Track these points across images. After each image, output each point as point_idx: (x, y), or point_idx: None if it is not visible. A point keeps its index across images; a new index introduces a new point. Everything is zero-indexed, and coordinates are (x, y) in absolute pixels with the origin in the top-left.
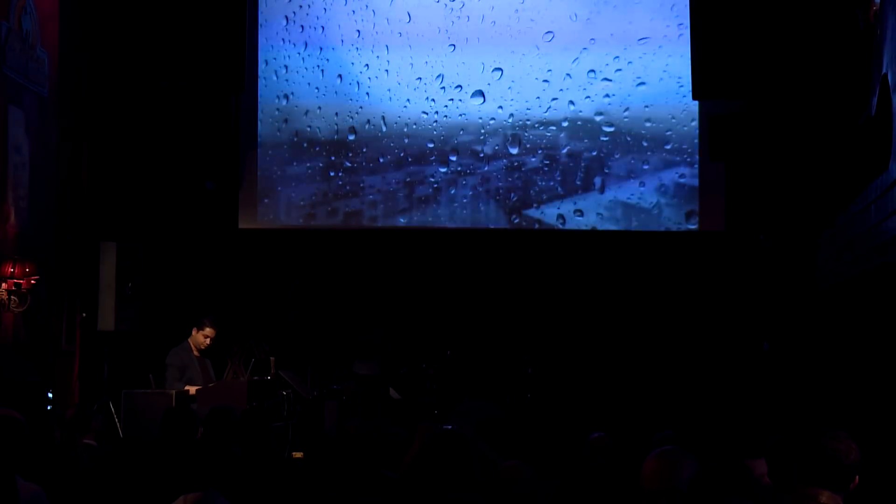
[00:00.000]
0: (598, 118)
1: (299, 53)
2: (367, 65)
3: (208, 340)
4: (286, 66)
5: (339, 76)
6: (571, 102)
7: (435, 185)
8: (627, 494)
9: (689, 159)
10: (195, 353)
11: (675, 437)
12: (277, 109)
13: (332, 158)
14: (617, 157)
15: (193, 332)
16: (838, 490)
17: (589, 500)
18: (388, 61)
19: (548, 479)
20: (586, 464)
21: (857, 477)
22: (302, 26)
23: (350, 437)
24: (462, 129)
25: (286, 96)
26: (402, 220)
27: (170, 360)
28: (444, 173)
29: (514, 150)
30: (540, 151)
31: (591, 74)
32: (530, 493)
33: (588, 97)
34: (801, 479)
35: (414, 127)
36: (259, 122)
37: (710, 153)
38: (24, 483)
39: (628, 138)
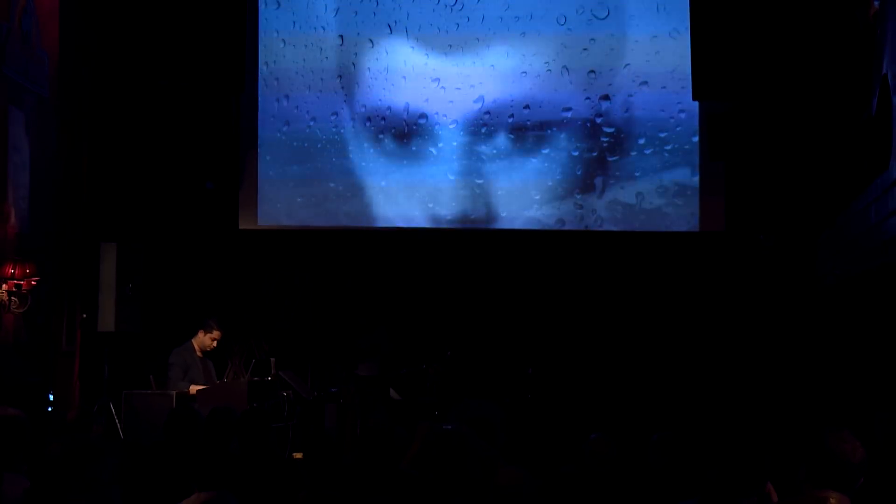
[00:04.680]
0: (598, 119)
1: (299, 53)
2: (368, 67)
3: (215, 343)
4: (286, 67)
5: (339, 76)
6: (571, 103)
7: (435, 186)
8: (625, 494)
9: (689, 159)
10: (198, 353)
11: (676, 438)
12: (278, 110)
13: (333, 159)
14: (617, 157)
15: (200, 335)
16: (846, 490)
17: (587, 501)
18: (388, 63)
19: (543, 480)
20: (586, 464)
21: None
22: (302, 27)
23: (372, 433)
24: (462, 131)
25: (286, 96)
26: (401, 221)
27: (173, 359)
28: (444, 174)
29: (514, 151)
30: (540, 152)
31: (592, 75)
32: (529, 499)
33: (588, 98)
34: (809, 481)
35: (414, 127)
36: (259, 123)
37: (711, 153)
38: (21, 479)
39: (628, 139)
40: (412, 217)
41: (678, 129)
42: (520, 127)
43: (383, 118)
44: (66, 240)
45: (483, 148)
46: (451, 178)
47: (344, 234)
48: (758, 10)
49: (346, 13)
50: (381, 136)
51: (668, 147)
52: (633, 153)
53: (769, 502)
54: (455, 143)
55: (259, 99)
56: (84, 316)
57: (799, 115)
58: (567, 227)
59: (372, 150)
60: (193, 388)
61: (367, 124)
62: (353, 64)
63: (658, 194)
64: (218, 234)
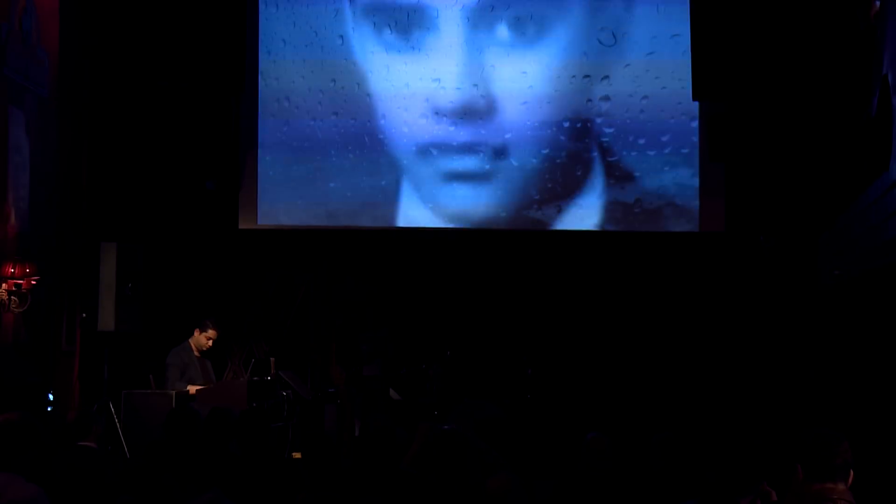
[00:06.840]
0: (598, 119)
1: (299, 54)
2: (369, 70)
3: (210, 342)
4: (286, 67)
5: (339, 77)
6: (572, 103)
7: (435, 186)
8: (624, 495)
9: (689, 160)
10: (195, 353)
11: (676, 438)
12: (278, 110)
13: (333, 159)
14: (617, 158)
15: (196, 334)
16: (846, 481)
17: (586, 501)
18: (389, 63)
19: (542, 481)
20: (583, 464)
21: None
22: (302, 27)
23: (372, 433)
24: (462, 131)
25: (286, 97)
26: (401, 221)
27: (170, 359)
28: (444, 174)
29: (515, 151)
30: (540, 152)
31: (591, 76)
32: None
33: (589, 100)
34: (810, 477)
35: (414, 128)
36: (259, 123)
37: (710, 154)
38: (25, 484)
39: (628, 139)
40: (412, 217)
41: (678, 129)
42: (520, 127)
43: (383, 116)
44: (66, 239)
45: (484, 148)
46: (452, 178)
47: (344, 234)
48: (758, 11)
49: (346, 13)
50: (380, 136)
51: (668, 148)
52: (634, 154)
53: (768, 501)
54: (455, 144)
55: (259, 98)
56: (84, 316)
57: (799, 116)
58: (567, 228)
59: (372, 150)
60: (192, 389)
61: (367, 126)
62: (353, 64)
63: (658, 195)
64: (218, 234)
